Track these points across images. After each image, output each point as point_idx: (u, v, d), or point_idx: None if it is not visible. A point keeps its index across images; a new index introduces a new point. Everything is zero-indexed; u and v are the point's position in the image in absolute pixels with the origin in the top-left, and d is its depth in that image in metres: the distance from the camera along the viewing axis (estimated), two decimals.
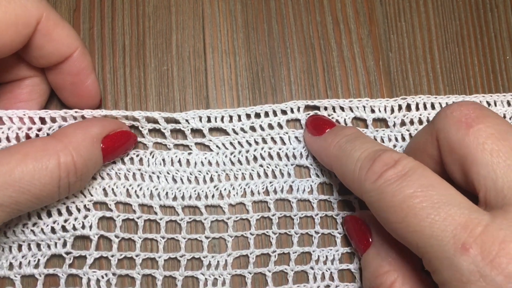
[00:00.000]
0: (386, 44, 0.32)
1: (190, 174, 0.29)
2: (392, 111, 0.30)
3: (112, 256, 0.28)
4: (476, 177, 0.21)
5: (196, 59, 0.31)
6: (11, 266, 0.27)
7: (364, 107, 0.30)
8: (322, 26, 0.32)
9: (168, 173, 0.29)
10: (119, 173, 0.28)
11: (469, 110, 0.22)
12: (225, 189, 0.29)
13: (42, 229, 0.27)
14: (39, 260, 0.27)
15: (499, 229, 0.19)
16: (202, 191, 0.28)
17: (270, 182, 0.29)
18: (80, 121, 0.27)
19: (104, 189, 0.28)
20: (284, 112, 0.29)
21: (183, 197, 0.28)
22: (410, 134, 0.30)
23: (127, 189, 0.28)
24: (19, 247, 0.27)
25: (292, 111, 0.29)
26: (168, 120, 0.29)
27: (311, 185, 0.29)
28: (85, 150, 0.25)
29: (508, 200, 0.20)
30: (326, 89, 0.31)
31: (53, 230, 0.27)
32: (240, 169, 0.29)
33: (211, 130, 0.29)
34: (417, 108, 0.30)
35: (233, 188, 0.29)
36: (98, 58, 0.30)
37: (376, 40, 0.32)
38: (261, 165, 0.29)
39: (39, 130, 0.27)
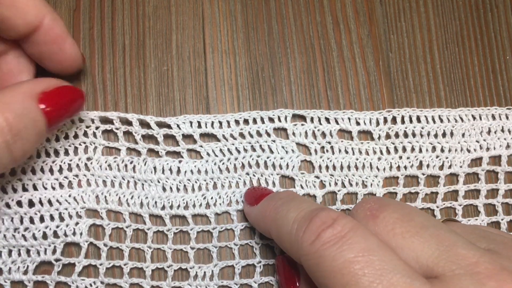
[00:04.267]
0: (386, 44, 0.32)
1: (179, 182, 0.28)
2: (378, 123, 0.29)
3: (101, 264, 0.27)
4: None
5: (196, 59, 0.31)
6: (0, 272, 0.27)
7: (349, 119, 0.29)
8: (322, 26, 0.32)
9: (158, 181, 0.28)
10: (114, 181, 0.28)
11: (371, 203, 0.23)
12: (211, 198, 0.28)
13: (33, 234, 0.27)
14: (28, 266, 0.27)
15: None
16: (190, 200, 0.28)
17: None
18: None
19: (97, 196, 0.28)
20: (271, 120, 0.29)
21: (171, 206, 0.28)
22: (395, 147, 0.29)
23: (119, 197, 0.28)
24: (9, 253, 0.27)
25: (279, 119, 0.29)
26: (160, 125, 0.28)
27: None
28: (16, 104, 0.22)
29: (435, 272, 0.20)
30: (326, 89, 0.31)
31: (44, 236, 0.27)
32: (227, 177, 0.28)
33: (202, 135, 0.29)
34: (403, 121, 0.29)
35: (220, 197, 0.28)
36: (98, 58, 0.30)
37: (376, 40, 0.32)
38: (247, 173, 0.28)
39: None
